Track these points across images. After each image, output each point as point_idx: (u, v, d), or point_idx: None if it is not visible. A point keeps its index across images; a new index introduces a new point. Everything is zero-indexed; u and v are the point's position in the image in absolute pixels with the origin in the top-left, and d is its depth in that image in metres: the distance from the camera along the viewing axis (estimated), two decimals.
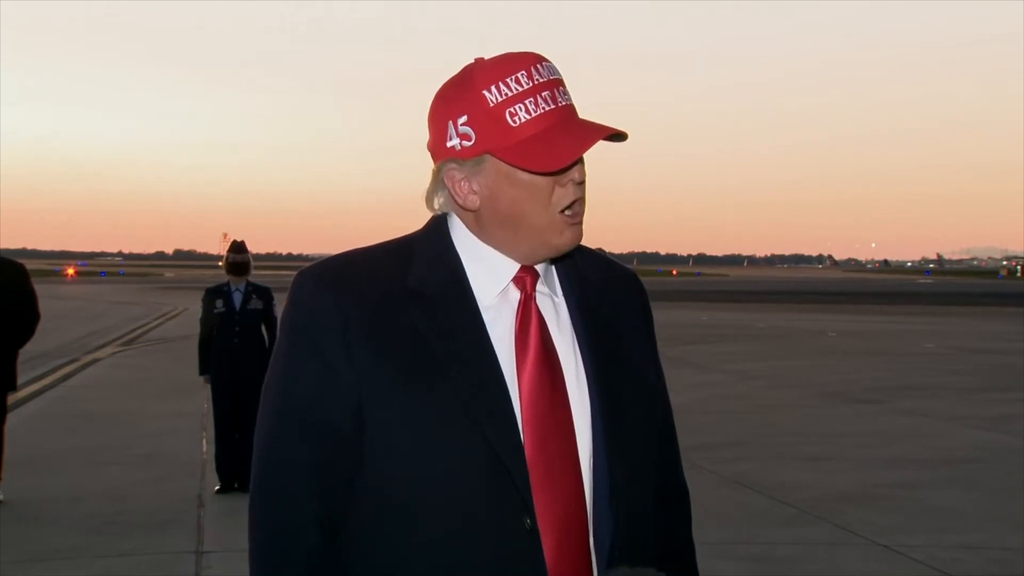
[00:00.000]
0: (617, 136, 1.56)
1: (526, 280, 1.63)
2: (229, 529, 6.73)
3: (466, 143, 1.57)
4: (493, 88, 1.55)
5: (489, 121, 1.55)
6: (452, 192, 1.61)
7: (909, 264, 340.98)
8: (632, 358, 1.68)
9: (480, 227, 1.62)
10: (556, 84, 1.57)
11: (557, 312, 1.65)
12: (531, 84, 1.55)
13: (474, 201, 1.60)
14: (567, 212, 1.58)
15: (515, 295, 1.62)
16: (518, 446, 1.53)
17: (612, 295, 1.71)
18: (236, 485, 7.84)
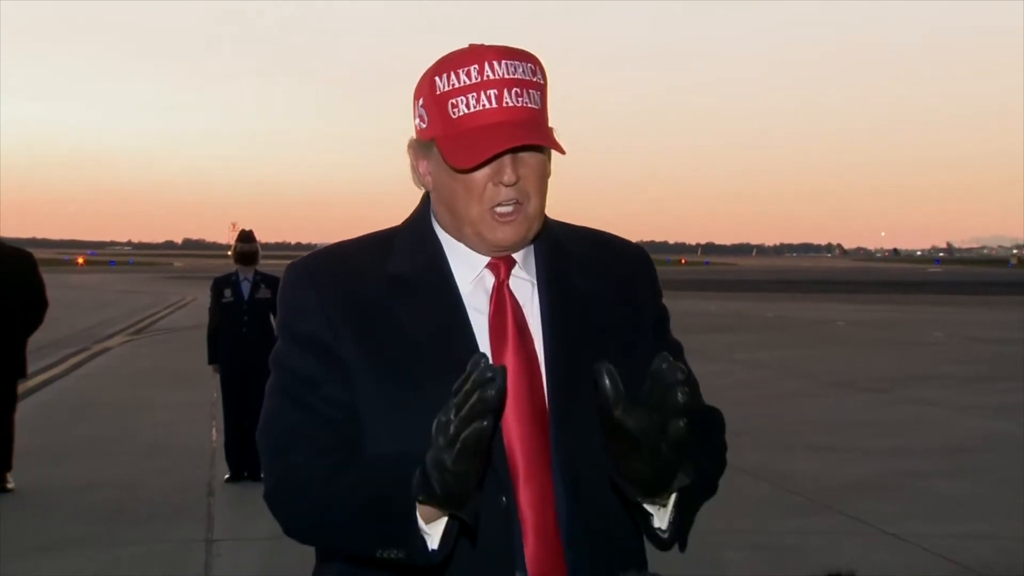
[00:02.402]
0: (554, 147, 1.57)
1: (500, 266, 1.65)
2: (239, 518, 6.76)
3: (422, 124, 1.62)
4: (444, 76, 1.57)
5: (436, 108, 1.58)
6: (413, 169, 1.66)
7: (919, 253, 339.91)
8: (606, 334, 1.66)
9: (438, 211, 1.66)
10: (511, 84, 1.55)
11: (533, 297, 1.66)
12: (479, 80, 1.55)
13: (428, 182, 1.65)
14: (497, 210, 1.58)
15: (491, 281, 1.65)
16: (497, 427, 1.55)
17: (599, 269, 1.72)
18: (245, 474, 7.85)
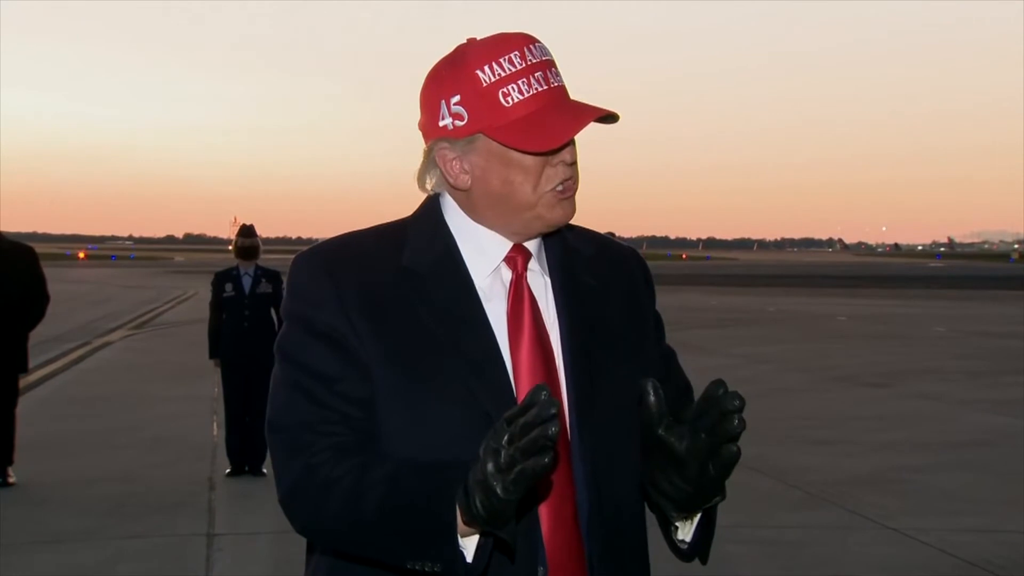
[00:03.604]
0: (609, 117, 1.58)
1: (518, 260, 1.65)
2: (240, 512, 6.77)
3: (458, 122, 1.59)
4: (487, 68, 1.56)
5: (482, 101, 1.57)
6: (444, 171, 1.64)
7: (920, 247, 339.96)
8: (617, 330, 1.69)
9: (472, 206, 1.64)
10: (548, 65, 1.59)
11: (547, 290, 1.67)
12: (524, 65, 1.57)
13: (465, 180, 1.62)
14: (558, 188, 1.60)
15: (507, 275, 1.65)
16: None
17: (604, 268, 1.73)
18: (246, 468, 7.87)
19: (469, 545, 1.44)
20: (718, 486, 1.48)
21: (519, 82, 1.56)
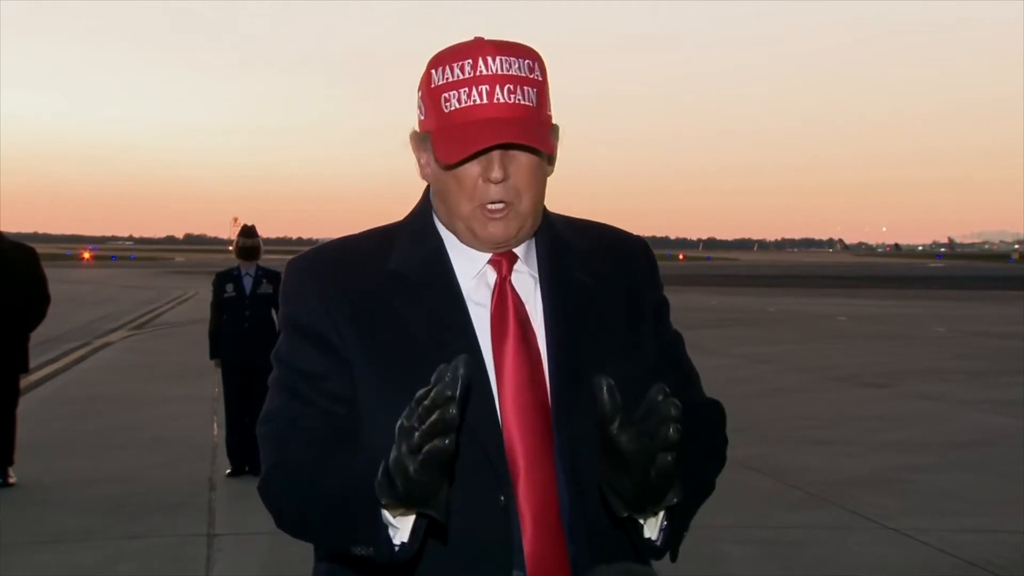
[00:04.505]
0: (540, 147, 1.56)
1: (502, 262, 1.64)
2: (240, 512, 6.76)
3: (421, 117, 1.62)
4: (440, 70, 1.57)
5: (431, 101, 1.58)
6: (415, 160, 1.66)
7: (920, 248, 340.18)
8: (610, 327, 1.67)
9: (437, 205, 1.66)
10: (504, 80, 1.54)
11: (535, 291, 1.66)
12: (472, 75, 1.54)
13: (427, 174, 1.65)
14: (488, 206, 1.58)
15: (492, 277, 1.65)
16: (494, 421, 1.56)
17: (601, 263, 1.71)
18: (247, 468, 7.86)
19: (404, 526, 1.43)
20: (662, 490, 1.42)
21: (460, 90, 1.54)
